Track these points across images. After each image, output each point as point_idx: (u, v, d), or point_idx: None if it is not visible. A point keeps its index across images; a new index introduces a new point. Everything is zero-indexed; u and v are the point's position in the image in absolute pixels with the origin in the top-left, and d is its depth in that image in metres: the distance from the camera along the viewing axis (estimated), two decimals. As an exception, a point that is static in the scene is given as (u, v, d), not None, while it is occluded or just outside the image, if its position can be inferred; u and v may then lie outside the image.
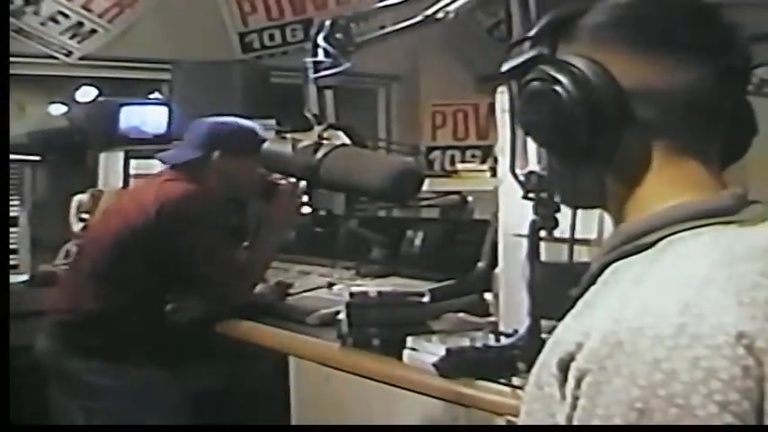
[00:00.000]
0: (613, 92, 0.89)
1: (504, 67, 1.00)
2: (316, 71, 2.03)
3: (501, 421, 1.83)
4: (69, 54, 4.14)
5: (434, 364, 2.00)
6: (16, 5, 3.90)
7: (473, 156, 4.95)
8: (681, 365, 0.76)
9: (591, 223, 1.61)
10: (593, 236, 1.56)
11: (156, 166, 2.94)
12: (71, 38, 4.13)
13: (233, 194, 2.92)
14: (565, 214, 1.46)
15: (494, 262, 2.31)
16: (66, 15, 4.10)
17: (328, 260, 3.20)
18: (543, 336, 1.71)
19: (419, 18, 1.95)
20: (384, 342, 2.21)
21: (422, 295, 2.40)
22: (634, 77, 0.90)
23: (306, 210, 2.73)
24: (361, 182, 1.88)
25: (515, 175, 1.57)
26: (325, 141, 1.92)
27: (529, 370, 0.93)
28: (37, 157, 4.00)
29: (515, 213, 1.96)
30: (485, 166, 3.54)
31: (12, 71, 2.96)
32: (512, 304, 2.12)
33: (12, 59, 3.01)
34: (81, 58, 4.18)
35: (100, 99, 4.29)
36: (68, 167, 3.95)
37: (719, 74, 0.91)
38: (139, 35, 4.24)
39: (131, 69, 4.36)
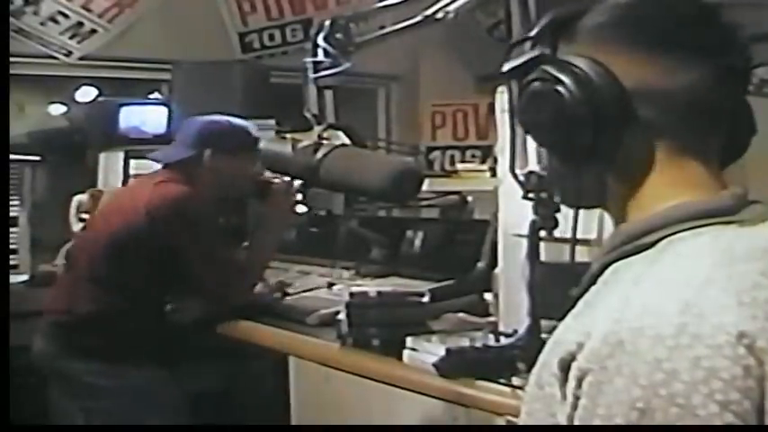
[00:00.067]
0: (615, 92, 0.89)
1: (506, 68, 1.00)
2: (316, 71, 2.03)
3: (501, 421, 1.83)
4: (69, 54, 4.14)
5: (434, 364, 2.00)
6: (16, 5, 3.90)
7: (473, 156, 4.95)
8: (682, 365, 0.76)
9: (591, 223, 1.61)
10: (593, 236, 1.55)
11: (155, 166, 2.93)
12: (71, 38, 4.13)
13: (226, 193, 2.92)
14: (565, 215, 1.46)
15: (494, 262, 2.31)
16: (65, 15, 4.10)
17: (328, 260, 3.20)
18: (543, 336, 1.71)
19: (419, 18, 1.95)
20: (384, 342, 2.21)
21: (422, 295, 2.40)
22: (635, 78, 0.90)
23: (302, 209, 2.74)
24: (360, 182, 1.88)
25: (515, 175, 1.57)
26: (324, 141, 1.92)
27: (529, 370, 0.93)
28: (37, 157, 3.99)
29: (515, 213, 1.96)
30: (485, 166, 3.54)
31: (12, 71, 2.96)
32: (512, 304, 2.12)
33: (12, 59, 3.01)
34: (81, 58, 4.18)
35: (100, 99, 4.28)
36: (68, 167, 3.95)
37: (720, 74, 0.91)
38: (139, 35, 4.24)
39: (131, 69, 4.36)
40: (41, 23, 4.04)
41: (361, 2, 3.27)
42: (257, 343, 2.62)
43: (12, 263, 3.59)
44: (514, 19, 1.66)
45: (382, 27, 2.11)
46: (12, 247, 3.66)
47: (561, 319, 0.90)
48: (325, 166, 1.87)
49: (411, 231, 3.06)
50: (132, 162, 3.62)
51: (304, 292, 2.92)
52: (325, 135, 1.96)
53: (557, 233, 1.51)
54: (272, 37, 4.63)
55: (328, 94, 2.05)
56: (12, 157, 3.27)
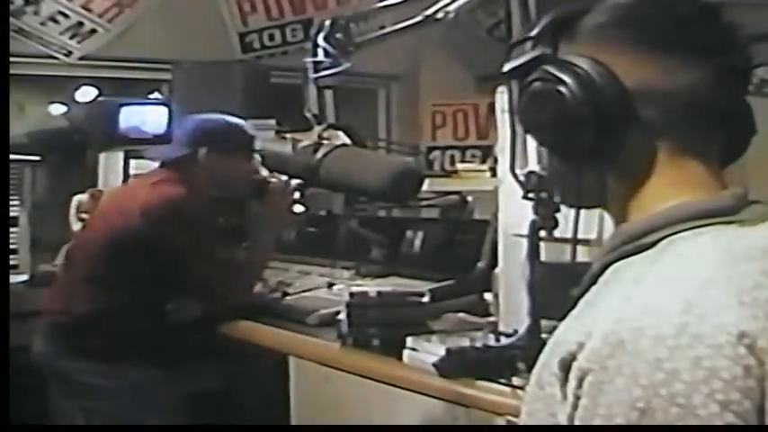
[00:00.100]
0: (617, 92, 0.89)
1: (507, 67, 1.00)
2: (316, 71, 2.04)
3: (501, 421, 1.83)
4: (69, 54, 4.14)
5: (434, 364, 2.00)
6: (16, 5, 3.90)
7: (473, 156, 4.95)
8: (682, 365, 0.76)
9: (591, 223, 1.61)
10: (593, 236, 1.56)
11: (154, 166, 2.93)
12: (71, 38, 4.13)
13: (222, 192, 2.91)
14: (565, 215, 1.46)
15: (494, 262, 2.31)
16: (66, 15, 4.10)
17: (328, 260, 3.20)
18: (543, 336, 1.71)
19: (419, 18, 1.95)
20: (384, 342, 2.21)
21: (422, 295, 2.40)
22: (637, 77, 0.90)
23: (299, 209, 2.74)
24: (360, 182, 1.88)
25: (515, 175, 1.57)
26: (325, 141, 1.93)
27: (529, 370, 0.93)
28: (37, 157, 3.99)
29: (515, 213, 1.96)
30: (485, 166, 3.54)
31: (12, 71, 2.96)
32: (512, 304, 2.12)
33: (12, 59, 3.01)
34: (81, 58, 4.18)
35: (100, 99, 4.28)
36: (68, 167, 3.94)
37: (721, 74, 0.91)
38: (139, 35, 4.24)
39: (131, 69, 4.36)
40: (41, 23, 4.04)
41: (361, 2, 3.27)
42: (257, 343, 2.62)
43: (12, 263, 3.59)
44: (514, 19, 1.66)
45: (382, 27, 2.11)
46: (12, 247, 3.66)
47: (562, 319, 0.90)
48: (325, 166, 1.88)
49: (411, 231, 3.05)
50: (132, 162, 3.62)
51: (304, 292, 2.91)
52: (325, 135, 1.96)
53: (557, 233, 1.51)
54: (272, 37, 4.63)
55: (328, 94, 2.05)
56: (12, 157, 3.27)
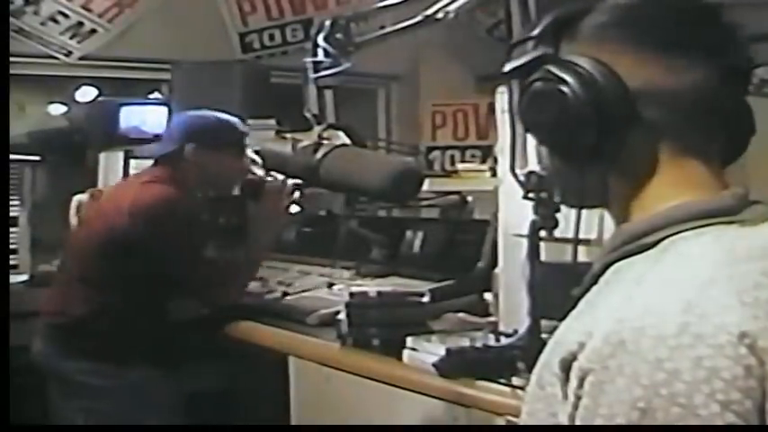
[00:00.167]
0: (619, 92, 0.89)
1: (508, 67, 1.00)
2: (316, 71, 2.04)
3: (501, 421, 1.83)
4: (69, 54, 4.14)
5: (434, 364, 2.00)
6: (16, 5, 3.90)
7: (473, 156, 4.94)
8: (683, 365, 0.76)
9: (591, 223, 1.61)
10: (594, 236, 1.55)
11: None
12: (71, 38, 4.13)
13: (211, 190, 2.90)
14: (564, 215, 1.46)
15: (494, 262, 2.31)
16: (66, 15, 4.09)
17: (328, 260, 3.20)
18: (543, 336, 1.71)
19: (419, 18, 1.96)
20: (384, 342, 2.21)
21: (422, 295, 2.40)
22: (639, 78, 0.90)
23: (296, 208, 2.73)
24: (360, 182, 1.88)
25: (515, 175, 1.57)
26: (324, 141, 1.93)
27: (529, 370, 0.93)
28: (37, 157, 3.99)
29: (515, 213, 1.96)
30: (485, 166, 3.54)
31: (12, 71, 2.96)
32: (512, 304, 2.12)
33: (12, 59, 3.00)
34: (81, 58, 4.18)
35: (100, 99, 4.28)
36: (68, 167, 3.94)
37: (723, 74, 0.91)
38: (139, 35, 4.24)
39: (131, 69, 4.35)
40: (41, 23, 4.04)
41: (361, 2, 3.27)
42: (257, 343, 2.62)
43: (12, 263, 3.59)
44: (514, 19, 1.66)
45: (382, 27, 2.12)
46: (12, 247, 3.66)
47: (562, 318, 0.90)
48: (325, 166, 1.88)
49: (411, 231, 3.05)
50: (132, 162, 3.62)
51: (304, 292, 2.91)
52: (325, 135, 1.96)
53: (557, 233, 1.51)
54: (272, 37, 4.63)
55: (328, 94, 2.05)
56: (12, 157, 3.27)
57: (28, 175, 3.94)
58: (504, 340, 2.02)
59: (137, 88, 4.49)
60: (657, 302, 0.80)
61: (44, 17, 4.04)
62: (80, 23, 4.13)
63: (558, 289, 1.02)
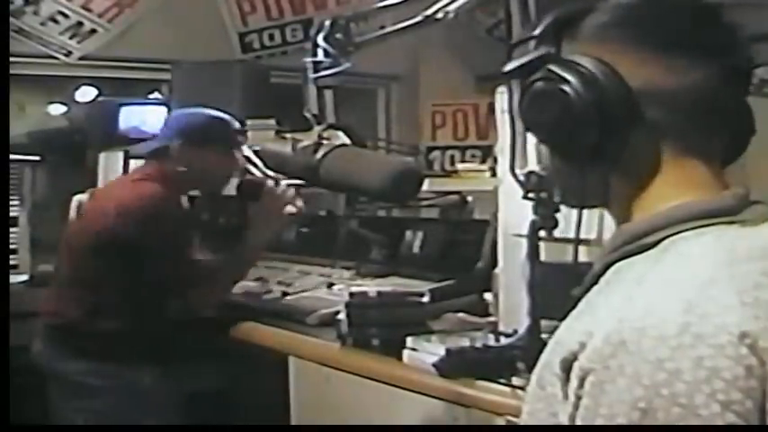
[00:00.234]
0: (622, 92, 0.89)
1: (510, 66, 0.99)
2: (315, 71, 2.04)
3: (501, 421, 1.83)
4: (69, 54, 4.14)
5: (434, 364, 2.00)
6: (16, 5, 3.90)
7: (473, 156, 4.94)
8: (684, 365, 0.76)
9: (591, 223, 1.61)
10: (593, 236, 1.56)
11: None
12: (71, 38, 4.13)
13: (200, 188, 2.87)
14: (565, 215, 1.46)
15: (494, 262, 2.31)
16: (65, 15, 4.09)
17: (328, 260, 3.20)
18: (543, 336, 1.71)
19: (419, 18, 1.96)
20: (384, 342, 2.21)
21: (422, 295, 2.40)
22: (641, 78, 0.90)
23: (292, 209, 2.72)
24: (360, 182, 1.88)
25: (515, 175, 1.57)
26: (324, 141, 1.93)
27: (529, 370, 0.93)
28: (37, 157, 4.00)
29: (515, 213, 1.97)
30: (485, 166, 3.53)
31: (12, 71, 2.96)
32: (512, 304, 2.12)
33: (12, 59, 3.01)
34: (81, 58, 4.18)
35: (100, 99, 4.28)
36: (68, 167, 3.94)
37: (725, 74, 0.91)
38: (139, 35, 4.24)
39: (131, 69, 4.35)
40: (41, 23, 4.04)
41: (361, 2, 3.27)
42: (257, 343, 2.62)
43: (12, 263, 3.59)
44: (514, 19, 1.66)
45: (382, 27, 2.11)
46: (12, 247, 3.66)
47: (563, 318, 0.90)
48: (325, 166, 1.88)
49: (411, 231, 3.05)
50: (132, 162, 3.62)
51: (304, 291, 2.91)
52: (325, 135, 1.96)
53: (556, 233, 1.51)
54: (272, 37, 4.63)
55: (328, 94, 2.05)
56: (12, 157, 3.27)
57: (28, 175, 3.94)
58: (503, 340, 2.03)
59: (137, 88, 4.50)
60: (658, 302, 0.80)
61: (44, 17, 4.04)
62: (80, 23, 4.14)
63: (558, 289, 1.02)
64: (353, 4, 4.27)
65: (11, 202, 3.70)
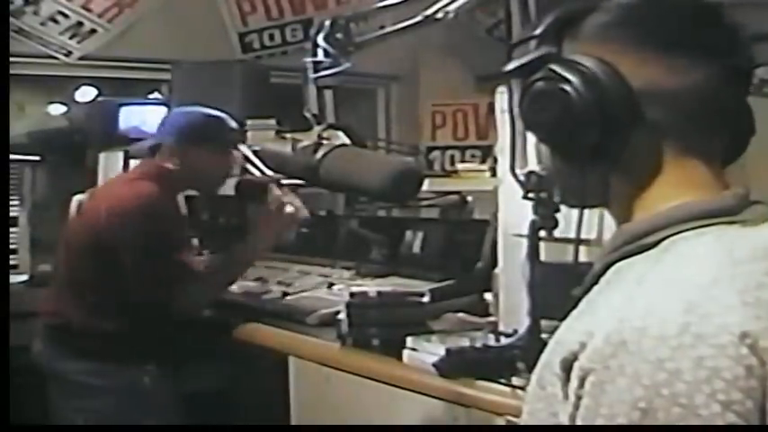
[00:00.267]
0: (623, 92, 0.89)
1: (511, 66, 0.99)
2: (315, 71, 2.04)
3: (501, 421, 1.83)
4: (69, 54, 4.14)
5: (434, 364, 2.00)
6: (16, 5, 3.90)
7: (473, 156, 4.94)
8: (684, 365, 0.76)
9: (590, 223, 1.61)
10: (593, 236, 1.56)
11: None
12: (71, 38, 4.13)
13: (196, 186, 2.85)
14: (565, 215, 1.46)
15: (494, 262, 2.31)
16: (65, 15, 4.09)
17: (328, 260, 3.20)
18: (543, 336, 1.71)
19: (419, 18, 1.96)
20: (384, 342, 2.21)
21: (422, 295, 2.40)
22: (642, 77, 0.90)
23: (296, 215, 2.70)
24: (360, 182, 1.88)
25: (515, 175, 1.57)
26: (324, 141, 1.93)
27: (529, 370, 0.93)
28: (37, 157, 3.99)
29: (515, 213, 1.97)
30: (485, 166, 3.54)
31: (12, 71, 2.96)
32: (512, 304, 2.12)
33: (12, 59, 3.00)
34: (81, 58, 4.18)
35: (99, 99, 4.28)
36: (68, 167, 3.94)
37: (726, 74, 0.91)
38: (139, 35, 4.24)
39: (131, 69, 4.35)
40: (41, 23, 4.04)
41: (361, 2, 3.27)
42: (258, 343, 2.62)
43: (12, 263, 3.59)
44: (514, 19, 1.66)
45: (382, 27, 2.12)
46: (12, 247, 3.66)
47: (563, 318, 0.90)
48: (325, 166, 1.88)
49: (411, 231, 3.06)
50: (132, 162, 3.62)
51: (304, 292, 2.91)
52: (325, 135, 1.96)
53: (556, 233, 1.52)
54: (272, 37, 4.63)
55: (328, 94, 2.05)
56: (12, 157, 3.27)
57: (28, 175, 3.94)
58: (503, 340, 2.03)
59: (137, 88, 4.49)
60: (659, 302, 0.80)
61: (44, 17, 4.04)
62: (80, 23, 4.13)
63: (558, 289, 1.02)
64: (353, 4, 4.27)
65: (11, 202, 3.70)
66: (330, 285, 2.93)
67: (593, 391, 0.79)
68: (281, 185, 2.67)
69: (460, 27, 4.12)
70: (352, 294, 2.39)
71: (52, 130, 4.59)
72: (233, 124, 2.78)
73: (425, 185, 2.26)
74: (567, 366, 0.83)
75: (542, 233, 1.60)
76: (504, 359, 1.90)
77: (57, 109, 4.85)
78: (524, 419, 0.92)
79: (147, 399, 2.61)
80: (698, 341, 0.76)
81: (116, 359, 2.59)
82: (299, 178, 2.08)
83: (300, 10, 4.64)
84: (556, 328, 0.90)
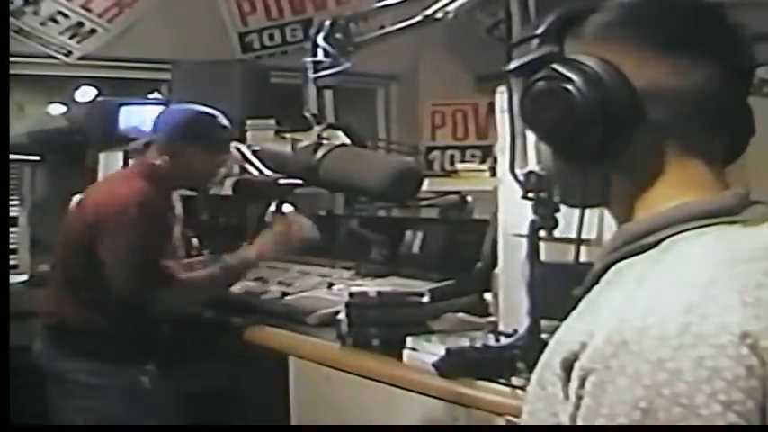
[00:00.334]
0: (626, 92, 0.89)
1: (513, 65, 0.99)
2: (315, 71, 2.04)
3: (501, 421, 1.83)
4: (69, 54, 4.14)
5: (434, 364, 2.00)
6: (16, 5, 3.90)
7: (473, 156, 4.94)
8: (685, 365, 0.76)
9: (590, 223, 1.61)
10: (593, 236, 1.56)
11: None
12: (71, 38, 4.13)
13: (186, 184, 2.85)
14: (565, 215, 1.46)
15: (494, 262, 2.31)
16: (65, 15, 4.09)
17: (328, 260, 3.20)
18: (543, 336, 1.71)
19: (419, 18, 1.96)
20: (384, 342, 2.21)
21: (422, 295, 2.40)
22: (644, 77, 0.90)
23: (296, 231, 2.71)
24: (360, 182, 1.88)
25: (515, 175, 1.57)
26: (324, 141, 1.93)
27: (529, 370, 0.93)
28: (37, 157, 3.99)
29: (515, 213, 1.97)
30: (484, 166, 3.54)
31: (12, 71, 2.96)
32: (512, 304, 2.12)
33: (12, 59, 3.00)
34: (81, 58, 4.18)
35: (99, 99, 4.28)
36: (68, 167, 3.94)
37: (728, 74, 0.91)
38: (139, 35, 4.24)
39: (131, 69, 4.35)
40: (41, 23, 4.04)
41: (361, 2, 3.27)
42: (258, 343, 2.62)
43: (12, 263, 3.59)
44: (514, 19, 1.66)
45: (382, 27, 2.12)
46: (12, 247, 3.66)
47: (563, 318, 0.90)
48: (325, 166, 1.88)
49: (411, 231, 3.06)
50: (132, 162, 3.62)
51: (304, 291, 2.91)
52: (324, 135, 1.96)
53: (556, 233, 1.51)
54: (271, 37, 4.63)
55: (328, 93, 2.05)
56: (12, 157, 3.27)
57: (28, 175, 3.94)
58: (503, 340, 2.03)
59: (137, 88, 4.49)
60: (659, 302, 0.80)
61: (44, 17, 4.04)
62: (80, 23, 4.13)
63: (558, 289, 1.02)
64: (353, 4, 4.27)
65: (11, 202, 3.70)
66: (330, 285, 2.93)
67: (593, 390, 0.79)
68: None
69: (460, 27, 4.12)
70: (351, 294, 2.39)
71: (52, 130, 4.59)
72: (225, 122, 2.77)
73: (425, 185, 2.26)
74: (568, 366, 0.83)
75: (542, 233, 1.60)
76: (504, 359, 1.91)
77: (57, 109, 4.84)
78: (524, 419, 0.92)
79: (146, 399, 2.61)
80: (698, 341, 0.76)
81: (116, 359, 2.58)
82: (299, 178, 2.08)
83: (300, 10, 4.64)
84: (556, 328, 0.90)
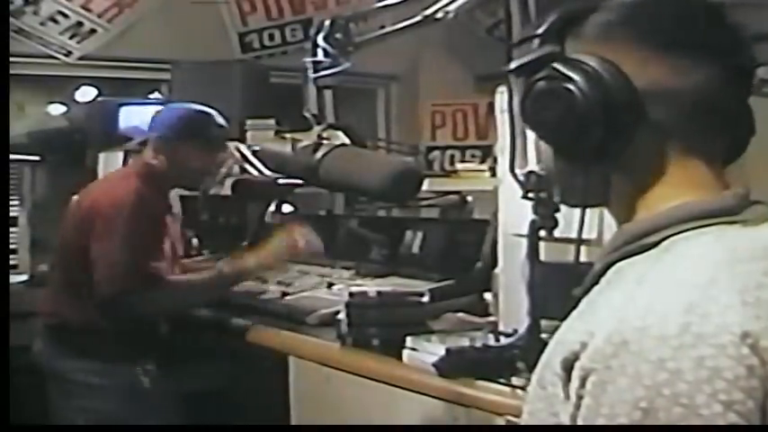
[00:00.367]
0: (627, 92, 0.89)
1: (513, 65, 0.99)
2: (315, 71, 2.04)
3: (501, 421, 1.83)
4: (69, 54, 4.14)
5: (434, 364, 2.00)
6: (16, 5, 3.90)
7: (473, 156, 4.95)
8: (685, 365, 0.76)
9: (591, 223, 1.61)
10: (593, 236, 1.56)
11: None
12: (71, 38, 4.13)
13: (181, 183, 2.84)
14: (565, 215, 1.46)
15: (494, 262, 2.31)
16: (65, 15, 4.09)
17: (328, 260, 3.20)
18: (543, 336, 1.71)
19: (419, 18, 1.96)
20: (384, 342, 2.21)
21: (421, 295, 2.40)
22: (645, 77, 0.90)
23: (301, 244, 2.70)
24: (360, 182, 1.88)
25: (515, 175, 1.57)
26: (324, 141, 1.93)
27: (529, 370, 0.93)
28: (37, 157, 4.00)
29: (515, 213, 1.96)
30: (484, 166, 3.54)
31: (12, 71, 2.96)
32: (512, 304, 2.12)
33: (12, 59, 3.00)
34: (80, 58, 4.18)
35: (99, 99, 4.28)
36: (68, 167, 3.94)
37: (728, 74, 0.91)
38: (139, 35, 4.24)
39: (131, 69, 4.36)
40: (41, 23, 4.04)
41: (361, 2, 3.27)
42: (258, 343, 2.62)
43: (12, 263, 3.59)
44: (514, 19, 1.66)
45: (382, 27, 2.11)
46: (12, 247, 3.66)
47: (563, 318, 0.90)
48: (325, 166, 1.88)
49: (411, 231, 3.06)
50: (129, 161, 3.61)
51: (303, 291, 2.91)
52: (324, 135, 1.96)
53: (556, 233, 1.51)
54: (271, 37, 4.63)
55: (328, 93, 2.05)
56: (12, 157, 3.27)
57: (28, 175, 3.94)
58: (503, 340, 2.03)
59: (136, 88, 4.50)
60: (659, 302, 0.80)
61: (44, 17, 4.04)
62: (80, 23, 4.14)
63: (558, 289, 1.01)
64: (353, 4, 4.27)
65: (11, 202, 3.70)
66: (330, 285, 2.93)
67: (594, 390, 0.79)
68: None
69: (460, 27, 4.12)
70: (351, 294, 2.38)
71: (52, 130, 4.59)
72: (221, 120, 2.76)
73: (425, 185, 2.26)
74: (568, 366, 0.83)
75: (542, 233, 1.60)
76: (504, 359, 1.90)
77: (57, 109, 4.85)
78: (525, 419, 0.92)
79: (146, 399, 2.61)
80: (699, 341, 0.76)
81: (116, 358, 2.59)
82: (299, 178, 2.08)
83: (300, 10, 4.64)
84: (556, 328, 0.90)
